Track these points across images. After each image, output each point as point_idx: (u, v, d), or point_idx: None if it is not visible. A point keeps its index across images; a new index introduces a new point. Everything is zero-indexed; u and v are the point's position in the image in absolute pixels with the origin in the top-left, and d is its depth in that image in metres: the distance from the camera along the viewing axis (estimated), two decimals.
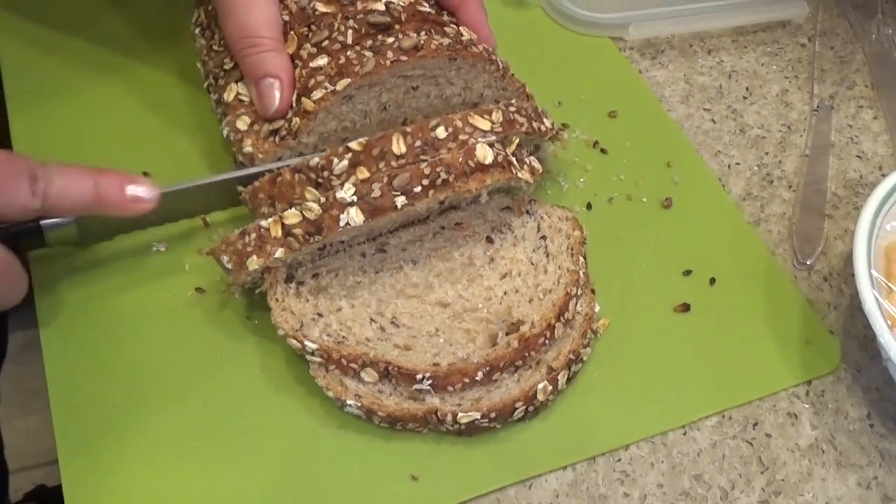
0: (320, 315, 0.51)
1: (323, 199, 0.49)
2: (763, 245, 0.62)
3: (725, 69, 0.73)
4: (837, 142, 0.69)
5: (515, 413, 0.50)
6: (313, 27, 0.56)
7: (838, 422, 0.54)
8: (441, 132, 0.53)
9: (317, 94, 0.54)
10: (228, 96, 0.58)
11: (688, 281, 0.59)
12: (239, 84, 0.57)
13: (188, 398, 0.51)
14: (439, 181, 0.50)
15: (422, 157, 0.52)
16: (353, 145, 0.52)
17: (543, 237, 0.56)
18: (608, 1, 0.75)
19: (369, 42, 0.54)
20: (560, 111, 0.67)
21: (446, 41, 0.55)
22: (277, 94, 0.55)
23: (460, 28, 0.59)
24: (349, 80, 0.53)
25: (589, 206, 0.62)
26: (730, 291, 0.59)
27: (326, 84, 0.54)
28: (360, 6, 0.56)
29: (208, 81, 0.61)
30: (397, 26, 0.55)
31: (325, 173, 0.52)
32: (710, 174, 0.66)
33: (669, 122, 0.69)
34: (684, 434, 0.53)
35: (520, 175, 0.53)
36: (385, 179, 0.49)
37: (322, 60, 0.54)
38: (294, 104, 0.55)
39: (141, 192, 0.51)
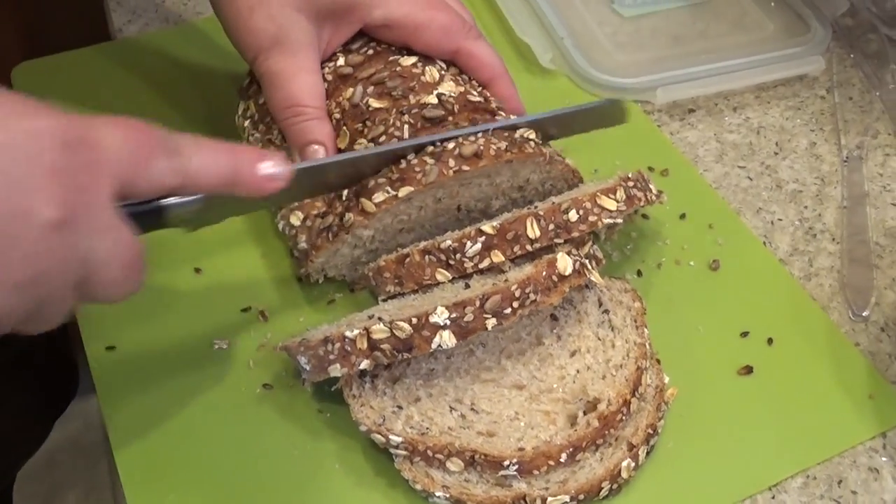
0: (400, 407, 0.51)
1: (415, 320, 0.49)
2: (814, 300, 0.63)
3: (753, 126, 0.75)
4: (871, 191, 0.70)
5: (601, 493, 0.50)
6: (368, 122, 0.57)
7: None
8: (573, 215, 0.54)
9: (378, 197, 0.54)
10: None
11: (746, 343, 0.60)
12: None
13: (269, 499, 0.51)
14: (528, 301, 0.50)
15: (556, 240, 0.54)
16: (486, 228, 0.54)
17: (606, 311, 0.57)
18: (632, 65, 0.77)
19: (430, 148, 0.55)
20: (598, 179, 0.68)
21: (503, 144, 0.56)
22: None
23: (510, 116, 0.60)
24: (412, 187, 0.54)
25: (639, 273, 0.63)
26: (788, 350, 0.60)
27: (388, 188, 0.54)
28: (413, 100, 0.57)
29: None
30: (451, 118, 0.56)
31: (458, 255, 0.53)
32: (751, 233, 0.67)
33: (703, 182, 0.70)
34: (773, 498, 0.53)
35: (592, 278, 0.54)
36: (477, 303, 0.49)
37: None
38: (349, 199, 0.56)
39: (275, 169, 0.47)
